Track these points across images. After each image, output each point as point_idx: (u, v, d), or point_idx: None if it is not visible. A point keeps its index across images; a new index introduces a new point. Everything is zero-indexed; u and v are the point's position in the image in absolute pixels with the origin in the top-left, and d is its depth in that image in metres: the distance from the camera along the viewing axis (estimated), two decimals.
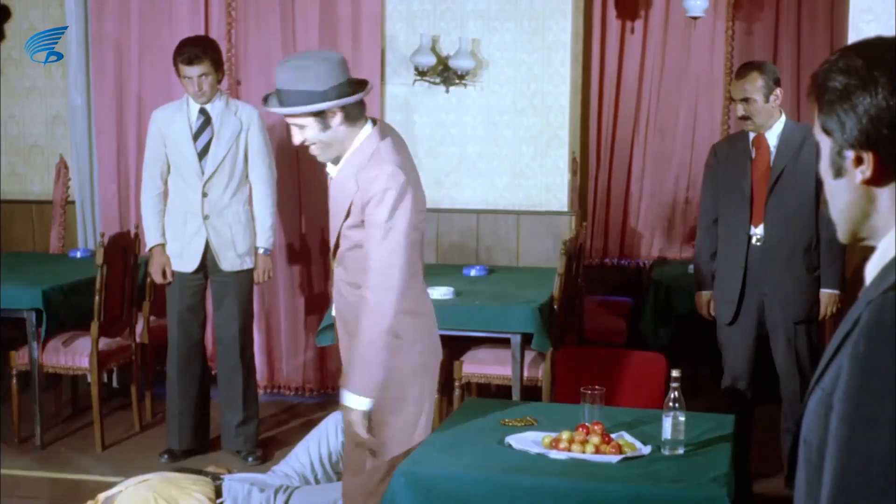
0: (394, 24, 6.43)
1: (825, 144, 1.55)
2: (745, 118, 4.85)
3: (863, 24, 5.63)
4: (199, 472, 4.39)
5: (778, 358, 4.96)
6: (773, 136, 4.86)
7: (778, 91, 4.81)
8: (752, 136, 4.90)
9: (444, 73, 6.30)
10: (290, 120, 3.48)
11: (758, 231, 4.86)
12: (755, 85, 4.76)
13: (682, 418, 3.44)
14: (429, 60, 6.25)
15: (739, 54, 7.55)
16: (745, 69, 4.88)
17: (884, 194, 1.50)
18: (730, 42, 7.68)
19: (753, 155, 4.89)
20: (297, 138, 3.49)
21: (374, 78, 6.39)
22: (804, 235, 4.82)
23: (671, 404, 3.44)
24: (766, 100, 4.78)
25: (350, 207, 3.49)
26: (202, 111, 5.45)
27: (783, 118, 4.88)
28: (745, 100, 4.78)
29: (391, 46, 6.43)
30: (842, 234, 1.57)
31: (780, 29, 7.61)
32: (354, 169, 3.48)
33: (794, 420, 4.88)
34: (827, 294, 4.86)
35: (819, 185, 4.65)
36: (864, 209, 1.52)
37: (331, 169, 3.59)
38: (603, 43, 7.76)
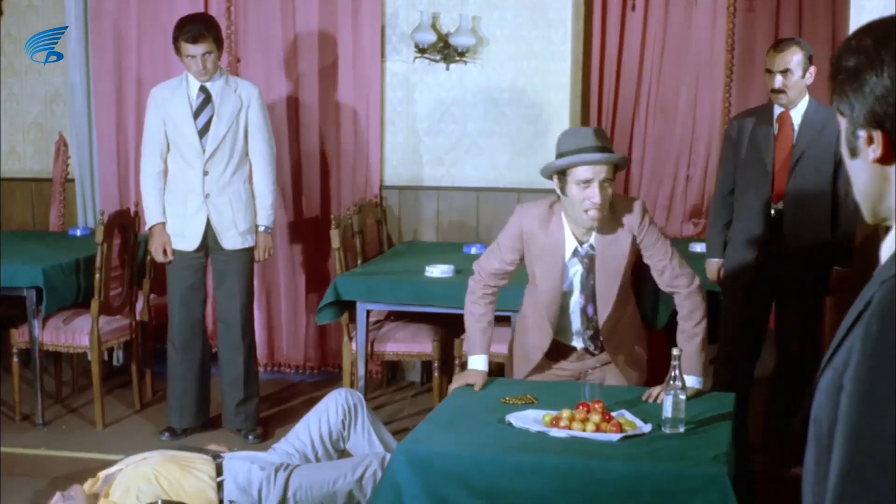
0: (394, 1, 6.39)
1: (842, 125, 1.56)
2: (780, 91, 4.86)
3: (864, 0, 5.61)
4: (199, 450, 4.40)
5: (784, 332, 5.07)
6: (797, 115, 4.91)
7: (812, 69, 4.86)
8: (777, 112, 4.95)
9: (445, 50, 6.27)
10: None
11: (778, 206, 4.93)
12: (796, 58, 4.82)
13: (682, 397, 3.45)
14: (429, 37, 6.22)
15: (741, 31, 7.51)
16: (787, 43, 4.94)
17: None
18: (731, 19, 7.62)
19: (776, 131, 4.94)
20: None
21: (375, 55, 6.37)
22: (821, 213, 4.90)
23: (671, 382, 3.45)
24: (803, 75, 4.84)
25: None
26: (202, 89, 5.42)
27: (807, 98, 4.92)
28: (785, 72, 4.82)
29: (391, 23, 6.40)
30: (865, 214, 1.58)
31: (782, 6, 7.57)
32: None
33: (793, 388, 4.99)
34: (838, 271, 4.95)
35: (837, 166, 4.75)
36: (879, 188, 1.52)
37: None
38: (604, 20, 7.71)
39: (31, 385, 5.83)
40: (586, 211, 3.73)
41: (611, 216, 3.83)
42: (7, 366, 5.91)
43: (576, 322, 3.99)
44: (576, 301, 3.96)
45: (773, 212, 4.94)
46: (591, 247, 3.87)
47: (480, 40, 6.30)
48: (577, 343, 4.06)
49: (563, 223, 3.85)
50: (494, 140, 6.40)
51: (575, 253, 3.88)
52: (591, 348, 4.06)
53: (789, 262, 4.94)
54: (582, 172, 3.70)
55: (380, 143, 6.45)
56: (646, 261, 3.93)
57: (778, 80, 4.85)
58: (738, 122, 5.15)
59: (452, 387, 3.99)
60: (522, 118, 6.36)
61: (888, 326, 1.35)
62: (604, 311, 3.93)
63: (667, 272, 3.93)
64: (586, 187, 3.71)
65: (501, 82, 6.36)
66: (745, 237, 5.02)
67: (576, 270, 3.90)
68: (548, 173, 3.82)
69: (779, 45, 4.96)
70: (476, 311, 4.06)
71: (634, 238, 3.87)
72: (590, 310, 3.94)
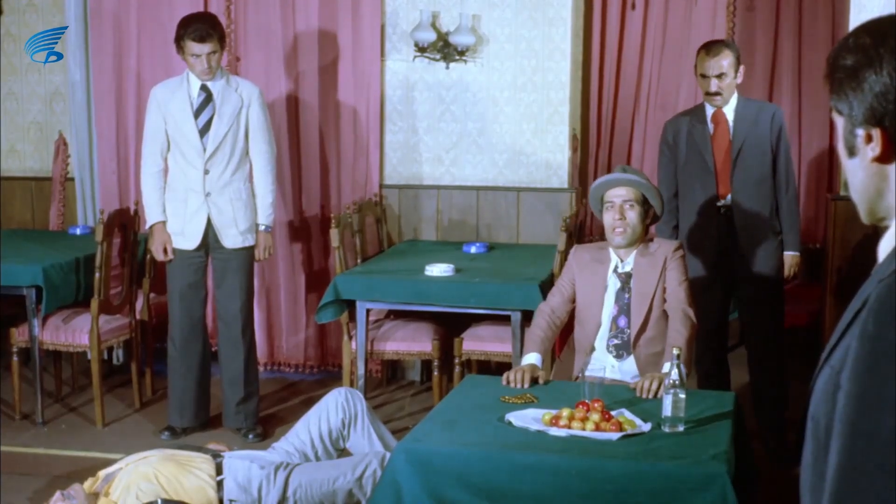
0: (394, 0, 6.39)
1: (839, 124, 1.55)
2: (716, 94, 5.05)
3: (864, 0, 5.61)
4: (199, 448, 4.40)
5: (749, 324, 5.26)
6: (729, 112, 5.11)
7: (741, 68, 5.07)
8: (710, 112, 5.12)
9: (445, 49, 6.27)
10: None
11: (725, 202, 5.09)
12: (727, 61, 5.02)
13: (682, 395, 3.45)
14: (429, 36, 6.21)
15: (741, 30, 7.51)
16: (718, 46, 5.10)
17: (894, 171, 1.49)
18: (731, 18, 7.63)
19: (712, 130, 5.11)
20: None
21: (374, 54, 6.37)
22: (766, 203, 5.09)
23: (671, 381, 3.45)
24: (735, 75, 5.04)
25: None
26: (203, 88, 5.42)
27: (736, 94, 5.12)
28: (720, 75, 5.01)
29: (391, 22, 6.40)
30: (862, 215, 1.58)
31: (782, 5, 7.57)
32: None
33: (764, 377, 5.09)
34: (790, 256, 5.16)
35: (774, 156, 4.95)
36: (877, 187, 1.52)
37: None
38: (604, 18, 7.71)
39: (31, 384, 5.83)
40: (613, 230, 4.26)
41: (653, 248, 4.32)
42: (7, 365, 5.91)
43: (605, 328, 4.32)
44: (609, 309, 4.30)
45: (721, 208, 5.09)
46: (630, 268, 4.29)
47: (480, 39, 6.30)
48: (600, 345, 4.33)
49: (609, 249, 4.36)
50: (494, 139, 6.40)
51: (615, 269, 4.30)
52: (613, 354, 4.31)
53: (744, 255, 5.08)
54: (607, 196, 4.27)
55: (380, 141, 6.45)
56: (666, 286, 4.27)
57: (714, 84, 5.03)
58: (672, 126, 5.29)
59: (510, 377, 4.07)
60: (522, 117, 6.35)
61: (885, 325, 1.35)
62: (635, 325, 4.25)
63: (671, 295, 4.24)
64: (611, 208, 4.26)
65: (501, 81, 6.35)
66: (697, 236, 5.15)
67: (613, 285, 4.30)
68: (593, 206, 4.39)
69: (710, 49, 5.09)
70: (541, 323, 4.35)
71: (665, 266, 4.26)
72: (621, 321, 4.28)
